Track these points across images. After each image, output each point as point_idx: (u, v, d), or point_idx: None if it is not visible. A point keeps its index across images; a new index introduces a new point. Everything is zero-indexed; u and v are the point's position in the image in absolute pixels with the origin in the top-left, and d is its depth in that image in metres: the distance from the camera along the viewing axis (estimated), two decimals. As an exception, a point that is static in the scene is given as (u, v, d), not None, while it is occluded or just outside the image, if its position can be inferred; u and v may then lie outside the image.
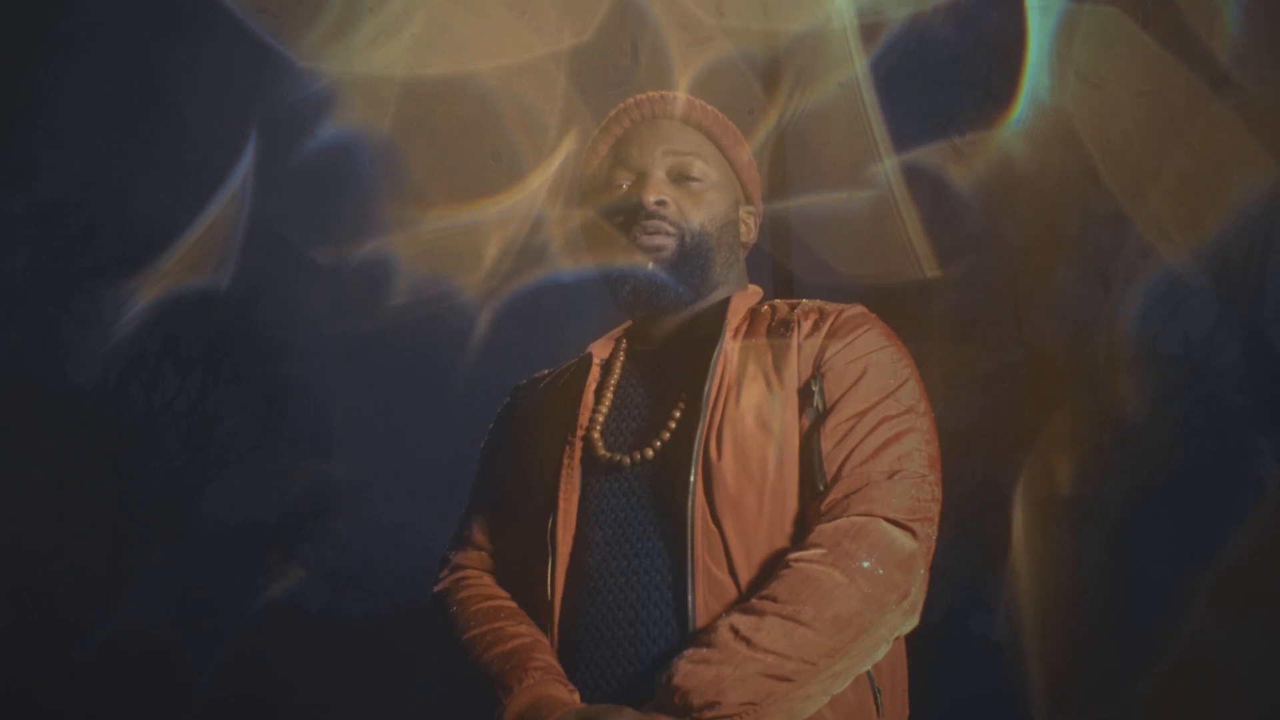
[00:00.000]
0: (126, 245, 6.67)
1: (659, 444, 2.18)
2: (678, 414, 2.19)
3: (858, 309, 2.30)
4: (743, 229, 2.46)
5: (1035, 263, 8.23)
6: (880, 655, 2.01)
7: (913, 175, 6.51)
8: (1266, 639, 6.38)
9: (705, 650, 1.93)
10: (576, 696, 2.06)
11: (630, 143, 2.41)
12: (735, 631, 1.94)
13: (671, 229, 2.31)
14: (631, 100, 2.47)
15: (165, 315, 6.53)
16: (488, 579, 2.35)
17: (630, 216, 2.32)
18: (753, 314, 2.35)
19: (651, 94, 2.47)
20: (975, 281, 7.99)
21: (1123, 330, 8.05)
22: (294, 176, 6.45)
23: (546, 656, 2.12)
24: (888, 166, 5.99)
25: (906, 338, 2.31)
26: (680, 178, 2.37)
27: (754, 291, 2.44)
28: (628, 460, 2.17)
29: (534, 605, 2.22)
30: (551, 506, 2.20)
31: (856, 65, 5.70)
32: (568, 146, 5.12)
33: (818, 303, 2.34)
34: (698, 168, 2.38)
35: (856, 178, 6.06)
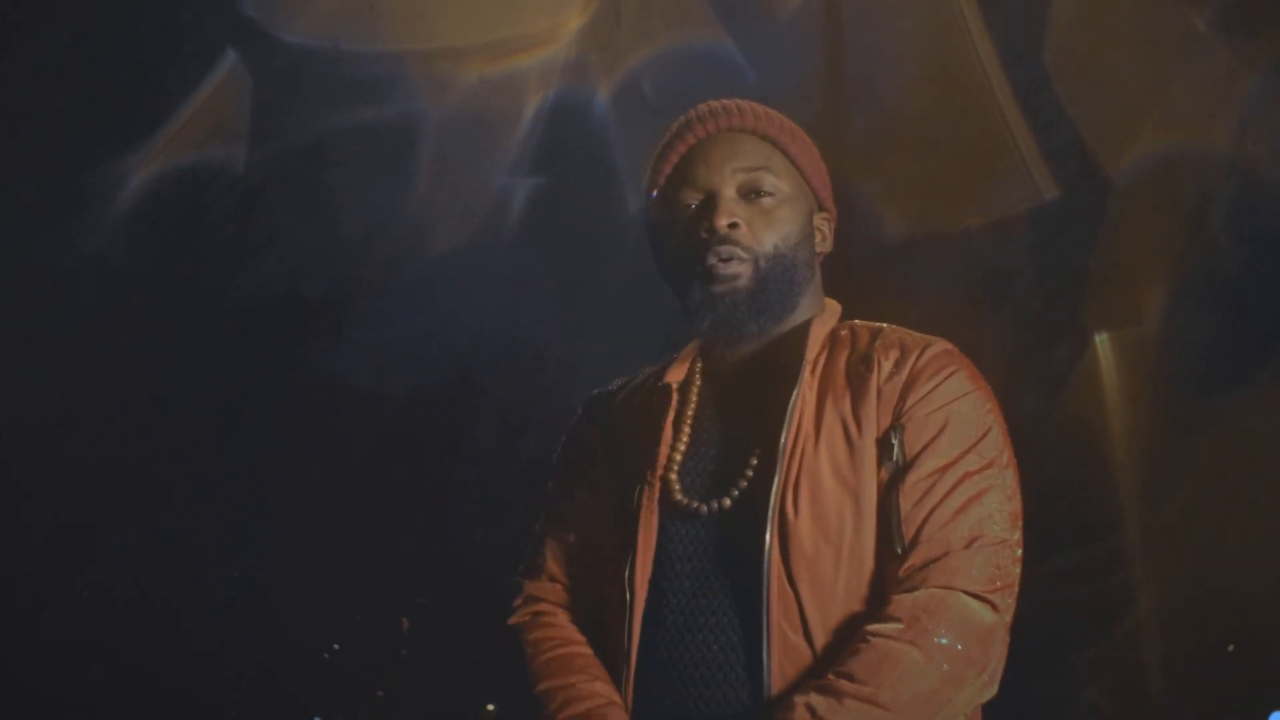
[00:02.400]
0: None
1: (735, 493, 2.17)
2: (754, 461, 2.18)
3: (941, 347, 2.26)
4: (818, 238, 2.40)
5: (1084, 42, 7.97)
6: None
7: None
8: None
9: None
10: None
11: (696, 160, 2.32)
12: (813, 711, 1.97)
13: (745, 254, 2.25)
14: (693, 113, 2.38)
15: (214, 97, 6.48)
16: (563, 617, 2.37)
17: (703, 241, 2.27)
18: (832, 339, 2.31)
19: (714, 104, 2.38)
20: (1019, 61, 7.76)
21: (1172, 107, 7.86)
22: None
23: None
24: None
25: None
26: (751, 193, 2.29)
27: (832, 310, 2.38)
28: (705, 509, 2.17)
29: (610, 650, 2.25)
30: (630, 548, 2.20)
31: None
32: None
33: (900, 335, 2.29)
34: (768, 182, 2.30)
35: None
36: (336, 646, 7.64)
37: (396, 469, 7.40)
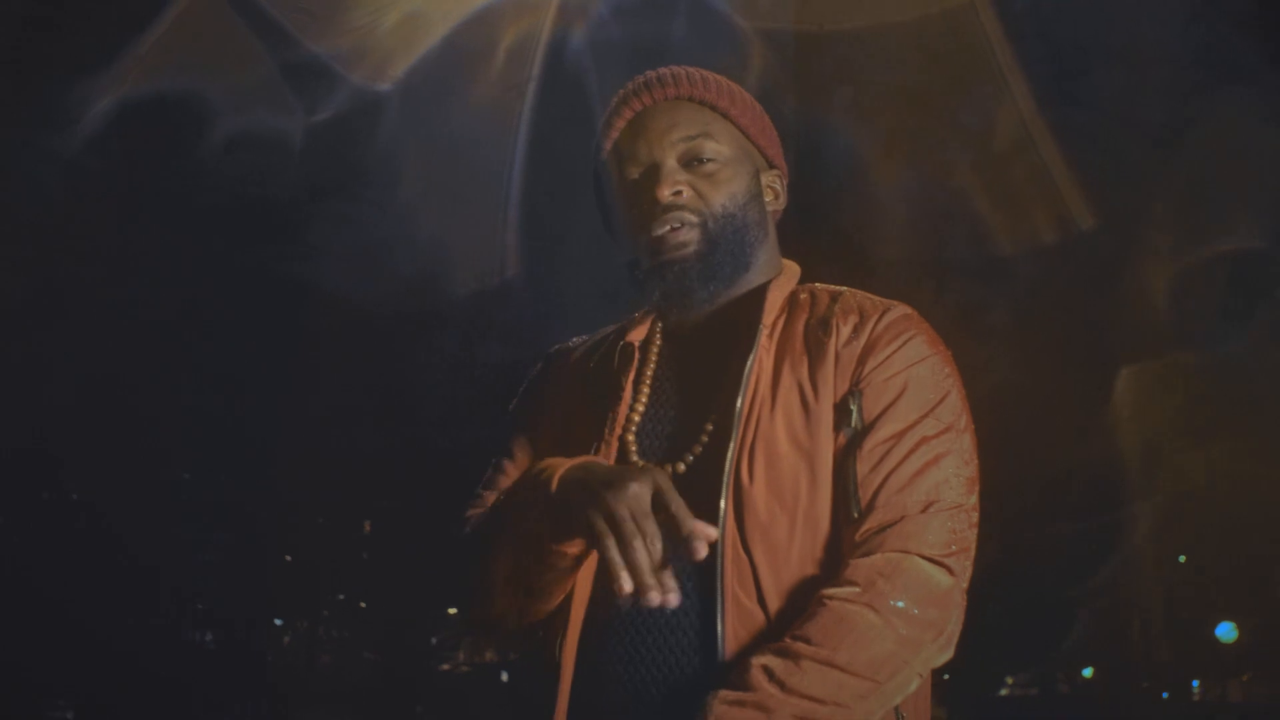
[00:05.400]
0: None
1: (690, 458, 2.17)
2: (710, 427, 2.18)
3: (900, 311, 2.25)
4: (769, 196, 2.38)
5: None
6: (913, 688, 2.05)
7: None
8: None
9: (739, 693, 1.97)
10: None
11: (636, 135, 2.31)
12: (769, 674, 1.97)
13: (693, 218, 2.24)
14: (630, 86, 2.36)
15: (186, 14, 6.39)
16: None
17: (647, 213, 2.26)
18: (791, 303, 2.30)
19: (649, 75, 2.35)
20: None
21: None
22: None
23: None
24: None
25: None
26: (693, 161, 2.28)
27: (791, 272, 2.36)
28: None
29: (558, 610, 2.23)
30: None
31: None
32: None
33: (859, 299, 2.28)
34: (709, 148, 2.29)
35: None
36: (297, 550, 7.68)
37: (360, 372, 7.39)
